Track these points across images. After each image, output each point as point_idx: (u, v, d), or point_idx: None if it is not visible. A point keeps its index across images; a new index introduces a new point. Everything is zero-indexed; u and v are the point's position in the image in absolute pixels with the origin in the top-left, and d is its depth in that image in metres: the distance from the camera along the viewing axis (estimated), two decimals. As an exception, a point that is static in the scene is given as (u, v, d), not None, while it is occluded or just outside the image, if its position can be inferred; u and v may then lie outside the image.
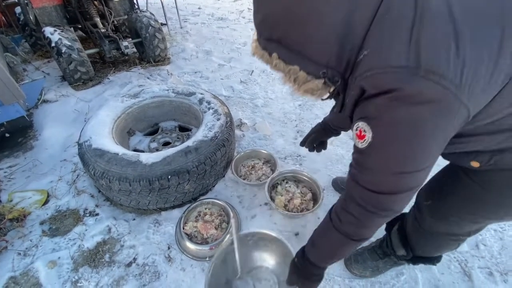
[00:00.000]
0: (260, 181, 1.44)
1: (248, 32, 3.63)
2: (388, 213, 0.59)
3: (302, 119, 2.00)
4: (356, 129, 0.54)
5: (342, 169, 1.58)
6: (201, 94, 1.68)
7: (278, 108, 2.12)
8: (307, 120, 1.99)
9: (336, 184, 1.48)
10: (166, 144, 1.65)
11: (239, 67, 2.74)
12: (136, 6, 3.21)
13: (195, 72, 2.65)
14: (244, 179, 1.46)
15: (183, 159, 1.23)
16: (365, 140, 0.52)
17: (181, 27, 3.80)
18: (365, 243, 1.18)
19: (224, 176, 1.52)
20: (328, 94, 0.61)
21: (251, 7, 4.72)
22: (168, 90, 1.72)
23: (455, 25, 0.42)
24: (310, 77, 0.55)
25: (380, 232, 1.20)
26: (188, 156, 1.24)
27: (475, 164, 0.62)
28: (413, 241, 0.96)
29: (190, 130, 1.77)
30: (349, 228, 0.65)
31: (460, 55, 0.42)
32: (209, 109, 1.56)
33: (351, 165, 0.61)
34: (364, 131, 0.52)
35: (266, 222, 1.29)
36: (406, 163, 0.51)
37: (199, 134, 1.37)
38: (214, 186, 1.46)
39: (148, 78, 2.53)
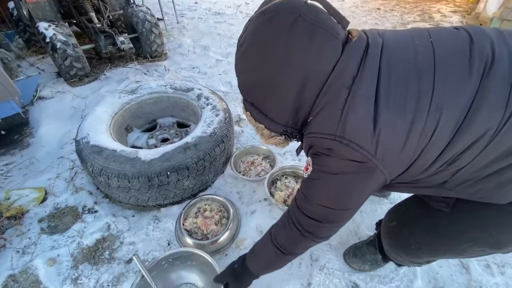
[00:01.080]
0: (260, 176, 1.44)
1: (245, 27, 3.60)
2: (313, 237, 0.70)
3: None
4: (306, 162, 0.67)
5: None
6: (199, 89, 1.66)
7: (276, 104, 2.11)
8: (306, 116, 1.98)
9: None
10: (165, 140, 1.64)
11: (237, 62, 2.71)
12: (132, 1, 3.16)
13: (193, 68, 2.62)
14: (243, 175, 1.46)
15: (182, 155, 1.22)
16: (307, 172, 0.66)
17: (177, 22, 3.75)
18: (364, 237, 1.19)
19: (223, 172, 1.51)
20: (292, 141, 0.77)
21: (248, 1, 4.69)
22: (165, 85, 1.71)
23: (377, 107, 0.53)
24: (274, 134, 0.71)
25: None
26: (187, 152, 1.23)
27: (443, 207, 0.69)
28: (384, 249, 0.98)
29: (189, 126, 1.76)
30: (282, 242, 0.75)
31: (376, 134, 0.53)
32: (207, 104, 1.55)
33: (298, 189, 0.72)
34: (309, 165, 0.65)
35: (265, 218, 1.29)
36: (331, 200, 0.64)
37: (198, 130, 1.36)
38: (213, 182, 1.46)
39: (145, 74, 2.50)
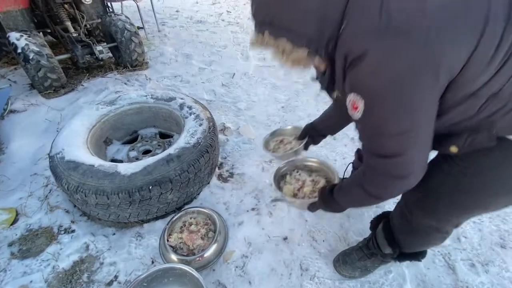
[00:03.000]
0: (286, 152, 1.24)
1: (228, 35, 3.60)
2: (404, 178, 0.63)
3: (285, 121, 2.00)
4: (349, 102, 0.60)
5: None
6: (182, 99, 1.63)
7: (261, 111, 2.10)
8: (291, 122, 1.98)
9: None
10: (147, 152, 1.58)
11: (220, 70, 2.70)
12: (111, 10, 3.09)
13: (175, 76, 2.58)
14: (273, 151, 1.27)
15: (165, 167, 1.18)
16: (358, 110, 0.58)
17: (159, 31, 3.70)
18: (353, 243, 1.19)
19: (209, 182, 1.47)
20: (321, 69, 0.70)
21: (230, 9, 4.72)
22: (146, 96, 1.66)
23: None
24: (296, 47, 0.61)
25: (366, 232, 1.21)
26: (170, 164, 1.19)
27: (453, 149, 0.65)
28: (400, 238, 0.97)
29: (172, 137, 1.71)
30: (371, 190, 0.70)
31: (427, 14, 0.48)
32: (190, 114, 1.51)
33: (358, 138, 0.68)
34: (356, 101, 0.57)
35: (253, 228, 1.26)
36: (400, 121, 0.56)
37: (181, 141, 1.32)
38: (198, 194, 1.41)
39: (125, 83, 2.43)
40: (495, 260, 1.16)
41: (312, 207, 0.96)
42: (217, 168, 1.58)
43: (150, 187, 1.13)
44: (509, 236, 1.26)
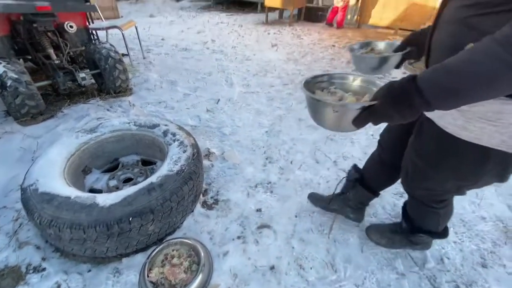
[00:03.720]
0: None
1: (212, 62, 3.71)
2: None
3: (270, 146, 2.02)
4: None
5: (312, 194, 1.60)
6: (166, 125, 1.62)
7: (245, 136, 2.13)
8: (275, 146, 2.01)
9: (312, 198, 1.53)
10: (128, 180, 1.53)
11: (205, 96, 2.74)
12: (96, 37, 3.12)
13: (159, 102, 2.59)
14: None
15: (146, 197, 1.14)
16: None
17: (144, 58, 3.76)
18: (341, 270, 1.17)
19: (193, 210, 1.43)
20: None
21: (214, 38, 4.91)
22: (129, 122, 1.64)
23: None
24: None
25: (353, 256, 1.21)
26: (152, 194, 1.15)
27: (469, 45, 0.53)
28: (413, 217, 1.16)
29: (155, 164, 1.68)
30: None
31: None
32: (174, 141, 1.50)
33: None
34: None
35: (239, 258, 1.22)
36: None
37: (164, 169, 1.30)
38: (182, 223, 1.36)
39: (108, 110, 2.41)
40: (477, 280, 1.18)
41: (365, 116, 0.62)
42: (201, 195, 1.55)
43: (130, 219, 1.08)
44: (489, 255, 1.29)
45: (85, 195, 1.13)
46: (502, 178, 0.79)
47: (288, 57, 4.06)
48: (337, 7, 5.67)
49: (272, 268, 1.20)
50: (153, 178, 1.23)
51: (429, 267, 1.22)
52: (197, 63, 3.66)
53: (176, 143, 1.48)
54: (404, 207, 1.21)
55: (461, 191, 0.92)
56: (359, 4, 5.90)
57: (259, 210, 1.48)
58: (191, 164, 1.36)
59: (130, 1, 8.32)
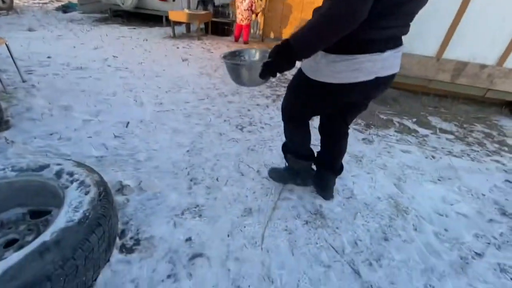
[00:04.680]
0: None
1: (116, 81, 3.34)
2: None
3: (193, 165, 1.94)
4: None
5: (241, 207, 1.61)
6: (59, 164, 1.35)
7: (164, 159, 1.98)
8: (199, 165, 1.94)
9: (274, 173, 1.88)
10: (12, 243, 1.19)
11: (111, 120, 2.43)
12: None
13: (51, 134, 2.15)
14: None
15: (37, 264, 0.91)
16: None
17: (23, 81, 3.07)
18: (276, 279, 1.20)
19: (108, 260, 1.23)
20: None
21: (116, 54, 4.45)
22: (3, 168, 1.29)
23: None
24: None
25: (287, 264, 1.27)
26: (46, 257, 0.93)
27: None
28: (285, 136, 1.66)
29: (50, 213, 1.37)
30: (330, 10, 0.85)
31: None
32: (72, 182, 1.26)
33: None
34: None
35: (172, 299, 1.11)
36: None
37: (60, 220, 1.06)
38: (95, 280, 1.14)
39: (-30, 153, 1.84)
40: (383, 253, 1.41)
41: (264, 69, 1.05)
42: (117, 239, 1.35)
43: (16, 297, 0.84)
44: (388, 229, 1.56)
45: None
46: (331, 102, 1.27)
47: (201, 71, 4.03)
48: (241, 25, 6.00)
49: (209, 299, 1.13)
50: (45, 236, 0.99)
51: (347, 253, 1.39)
52: (96, 83, 3.23)
53: (75, 184, 1.25)
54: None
55: (308, 110, 1.41)
56: (261, 20, 6.41)
57: (189, 239, 1.38)
58: (98, 206, 1.16)
59: (-4, 11, 6.73)
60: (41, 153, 1.90)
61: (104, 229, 1.14)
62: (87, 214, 1.11)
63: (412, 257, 1.40)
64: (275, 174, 1.85)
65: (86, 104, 2.68)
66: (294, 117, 1.47)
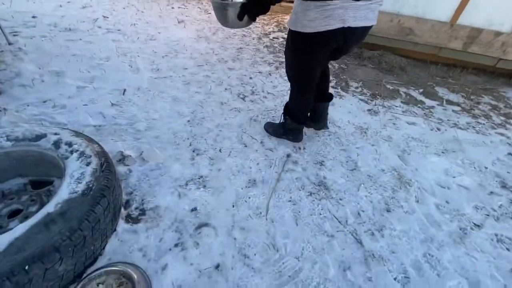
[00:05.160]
0: None
1: (109, 44, 3.13)
2: None
3: (195, 136, 1.89)
4: None
5: (245, 179, 1.60)
6: (56, 134, 1.29)
7: (165, 129, 1.92)
8: (200, 136, 1.90)
9: (269, 127, 2.00)
10: (16, 213, 1.18)
11: (107, 87, 2.32)
12: None
13: (44, 102, 2.05)
14: None
15: (44, 235, 0.90)
16: None
17: (9, 43, 2.85)
18: (281, 247, 1.23)
19: (115, 230, 1.23)
20: None
21: (107, 14, 4.13)
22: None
23: None
24: None
25: (291, 233, 1.28)
26: (52, 228, 0.92)
27: None
28: (289, 99, 1.78)
29: (52, 184, 1.34)
30: None
31: None
32: (72, 152, 1.22)
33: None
34: None
35: (181, 267, 1.14)
36: None
37: (63, 192, 1.04)
38: (103, 249, 1.16)
39: (-39, 121, 1.76)
40: (385, 223, 1.44)
41: (242, 9, 1.20)
42: (122, 209, 1.35)
43: (27, 267, 0.84)
44: (391, 200, 1.58)
45: None
46: (317, 53, 1.35)
47: (199, 35, 3.79)
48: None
49: (217, 267, 1.16)
50: (49, 207, 0.97)
51: (350, 223, 1.42)
52: (88, 46, 3.02)
53: (75, 155, 1.21)
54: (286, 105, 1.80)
55: (304, 67, 1.46)
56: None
57: (194, 209, 1.39)
58: (101, 178, 1.13)
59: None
60: (36, 121, 1.82)
61: (108, 200, 1.13)
62: (91, 185, 1.09)
63: (413, 228, 1.43)
64: (271, 129, 1.97)
65: (78, 69, 2.53)
66: (296, 79, 1.59)
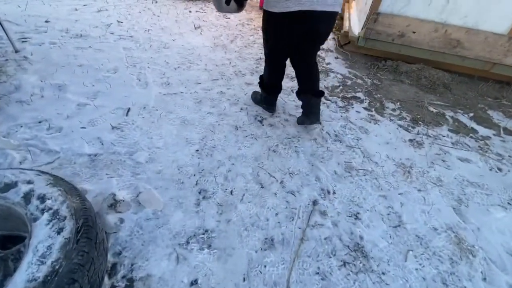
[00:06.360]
0: None
1: (119, 53, 2.92)
2: None
3: (202, 171, 1.60)
4: None
5: (260, 236, 1.28)
6: (29, 182, 1.04)
7: (169, 161, 1.64)
8: (209, 172, 1.60)
9: (253, 93, 2.31)
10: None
11: (110, 105, 2.08)
12: None
13: (39, 122, 1.84)
14: None
15: None
16: None
17: (16, 51, 2.71)
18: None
19: (91, 314, 0.96)
20: None
21: (121, 19, 3.95)
22: (-43, 187, 0.99)
23: None
24: None
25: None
26: None
27: None
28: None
29: (23, 241, 1.09)
30: None
31: None
32: (43, 212, 0.96)
33: None
34: None
35: None
36: None
37: (19, 279, 0.77)
38: None
39: None
40: None
41: None
42: (106, 278, 1.07)
43: None
44: (450, 278, 1.21)
45: None
46: (284, 33, 1.56)
47: (215, 42, 3.51)
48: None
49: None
50: (-9, 311, 0.70)
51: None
52: (96, 55, 2.82)
53: (46, 216, 0.94)
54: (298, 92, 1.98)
55: (272, 44, 1.73)
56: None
57: (194, 282, 1.09)
58: (73, 252, 0.86)
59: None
60: (25, 147, 1.60)
61: (81, 283, 0.85)
62: (57, 267, 0.81)
63: (485, 325, 1.06)
64: (254, 95, 2.27)
65: (82, 83, 2.32)
66: (268, 55, 1.83)
